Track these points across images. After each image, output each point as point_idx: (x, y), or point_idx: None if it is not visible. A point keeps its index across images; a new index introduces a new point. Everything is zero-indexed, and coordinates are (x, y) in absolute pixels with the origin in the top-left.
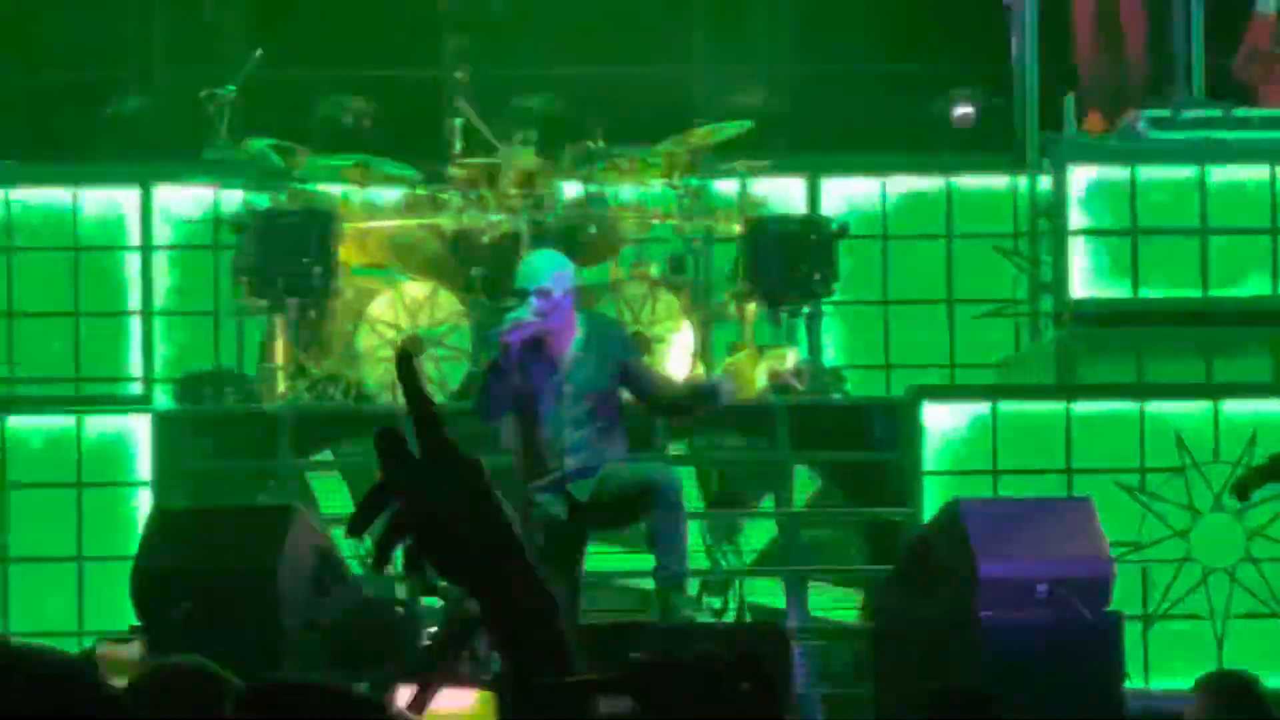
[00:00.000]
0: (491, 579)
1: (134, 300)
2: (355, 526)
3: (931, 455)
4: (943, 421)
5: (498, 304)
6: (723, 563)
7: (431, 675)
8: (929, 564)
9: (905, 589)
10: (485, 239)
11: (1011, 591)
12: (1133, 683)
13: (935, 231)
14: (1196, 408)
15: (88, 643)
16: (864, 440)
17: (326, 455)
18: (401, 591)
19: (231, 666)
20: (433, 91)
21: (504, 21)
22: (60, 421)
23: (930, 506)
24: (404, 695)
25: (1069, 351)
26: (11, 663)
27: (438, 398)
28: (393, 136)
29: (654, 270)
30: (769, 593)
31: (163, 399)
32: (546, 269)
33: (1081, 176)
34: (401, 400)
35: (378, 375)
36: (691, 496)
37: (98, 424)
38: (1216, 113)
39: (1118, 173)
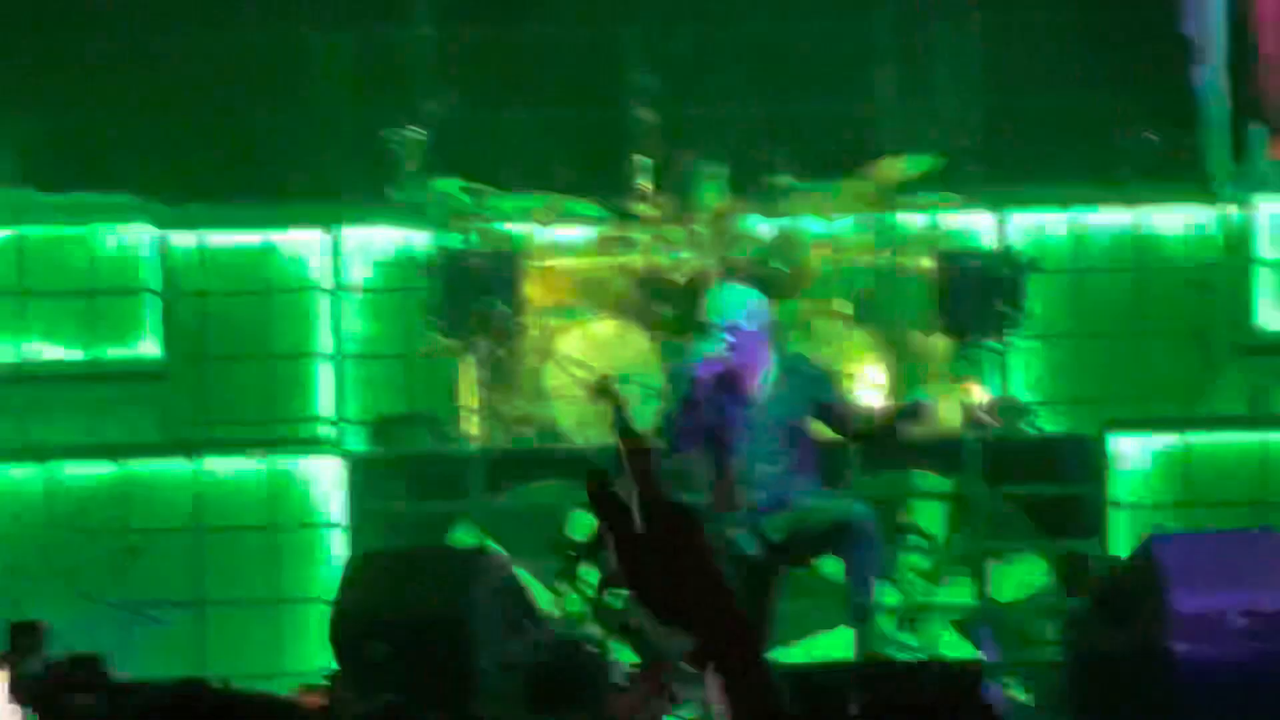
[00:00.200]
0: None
1: (325, 342)
2: (566, 571)
3: (1122, 487)
4: (1132, 454)
5: (688, 342)
6: (915, 599)
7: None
8: (1122, 598)
9: (1098, 623)
10: (674, 276)
11: (1206, 625)
12: None
13: (1124, 264)
14: None
15: (285, 685)
16: (1054, 473)
17: (519, 495)
18: (594, 632)
19: (428, 707)
20: (620, 130)
21: (690, 59)
22: (253, 465)
23: (1120, 539)
24: None
25: (1259, 382)
26: (226, 704)
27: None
28: (581, 176)
29: (842, 306)
30: (962, 628)
31: (355, 441)
32: (737, 304)
33: (1269, 207)
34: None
35: (568, 414)
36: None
37: (290, 466)
38: None
39: None
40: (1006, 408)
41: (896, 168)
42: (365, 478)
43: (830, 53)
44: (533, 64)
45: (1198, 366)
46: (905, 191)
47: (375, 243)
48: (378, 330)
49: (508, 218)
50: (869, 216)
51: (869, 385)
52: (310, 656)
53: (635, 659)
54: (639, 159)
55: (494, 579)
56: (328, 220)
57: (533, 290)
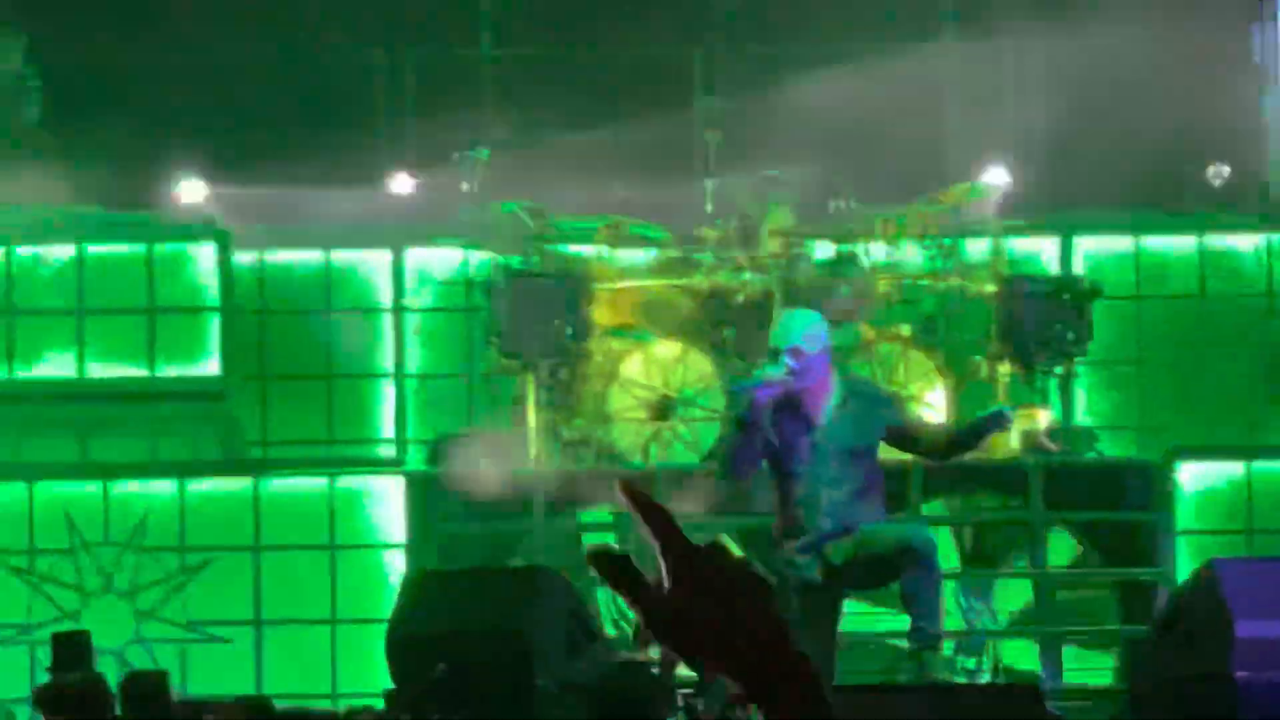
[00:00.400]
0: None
1: (386, 362)
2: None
3: (1186, 515)
4: (1197, 481)
5: (749, 364)
6: (977, 623)
7: None
8: (1185, 624)
9: (1161, 649)
10: (738, 299)
11: (1269, 651)
12: None
13: (1188, 291)
14: None
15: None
16: (1118, 500)
17: (579, 516)
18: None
19: None
20: (685, 153)
21: (757, 82)
22: (313, 483)
23: (1184, 566)
24: None
25: None
26: None
27: (690, 458)
28: (645, 197)
29: (906, 330)
30: (1023, 653)
31: (416, 461)
32: (800, 328)
33: None
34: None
35: (629, 436)
36: (945, 557)
37: (350, 485)
38: None
39: None
40: (1070, 433)
41: (962, 193)
42: (425, 498)
43: (896, 78)
44: (598, 86)
45: (1262, 394)
46: (970, 217)
47: (438, 263)
48: (439, 351)
49: (571, 239)
50: (934, 241)
51: (931, 410)
52: (368, 675)
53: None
54: (704, 181)
55: (553, 599)
56: (390, 240)
57: (595, 312)
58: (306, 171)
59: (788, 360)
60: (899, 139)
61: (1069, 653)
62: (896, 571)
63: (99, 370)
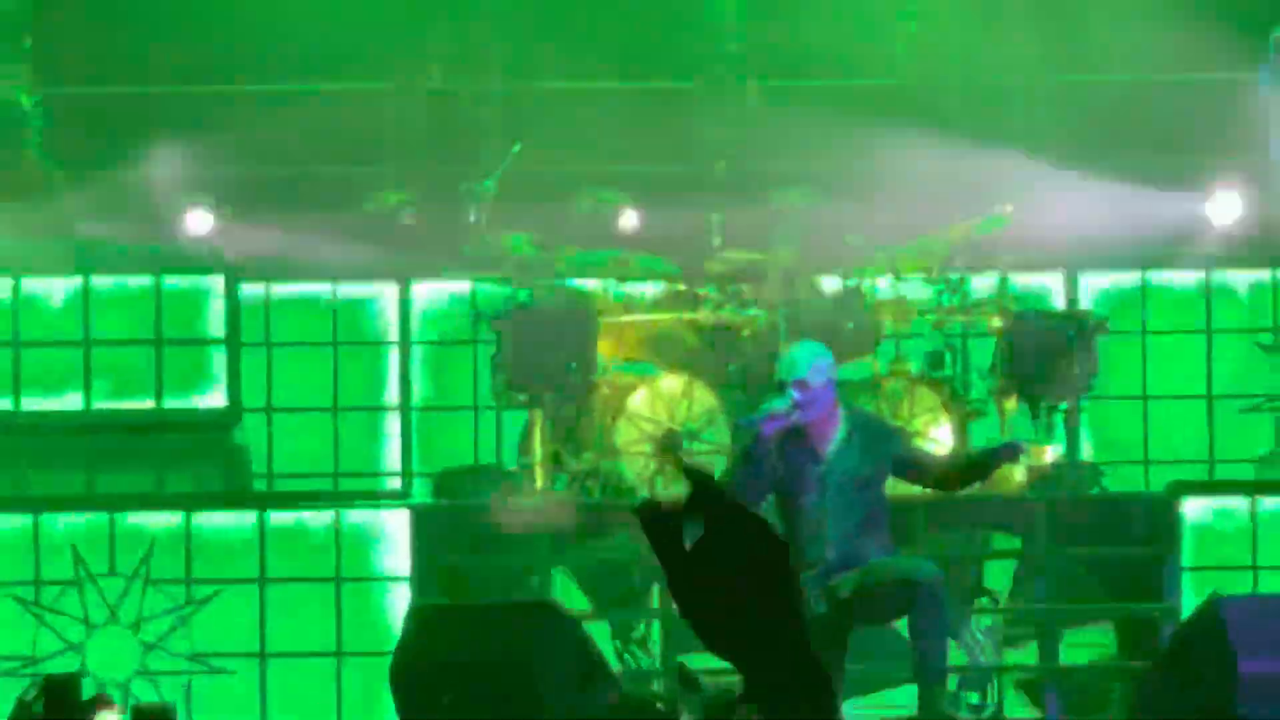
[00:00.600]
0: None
1: (392, 394)
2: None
3: (1191, 551)
4: (1202, 517)
5: (755, 398)
6: (981, 658)
7: None
8: (1188, 661)
9: (1165, 685)
10: (743, 333)
11: (1273, 688)
12: None
13: (1194, 326)
14: None
15: None
16: (1123, 535)
17: (585, 550)
18: (660, 687)
19: None
20: (692, 185)
21: (763, 116)
22: (319, 517)
23: (1189, 602)
24: None
25: None
26: None
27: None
28: (651, 231)
29: (912, 366)
30: (1027, 689)
31: (421, 494)
32: (805, 361)
33: None
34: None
35: (636, 469)
36: (950, 592)
37: (356, 519)
38: None
39: None
40: (1075, 468)
41: (969, 228)
42: (431, 531)
43: (901, 111)
44: (606, 118)
45: (1269, 429)
46: (977, 252)
47: (444, 296)
48: (446, 383)
49: (577, 273)
50: (940, 276)
51: (938, 445)
52: (374, 709)
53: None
54: (711, 214)
55: (560, 633)
56: (397, 273)
57: (601, 345)
58: (314, 204)
59: (793, 393)
60: (906, 173)
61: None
62: (904, 605)
63: (105, 402)
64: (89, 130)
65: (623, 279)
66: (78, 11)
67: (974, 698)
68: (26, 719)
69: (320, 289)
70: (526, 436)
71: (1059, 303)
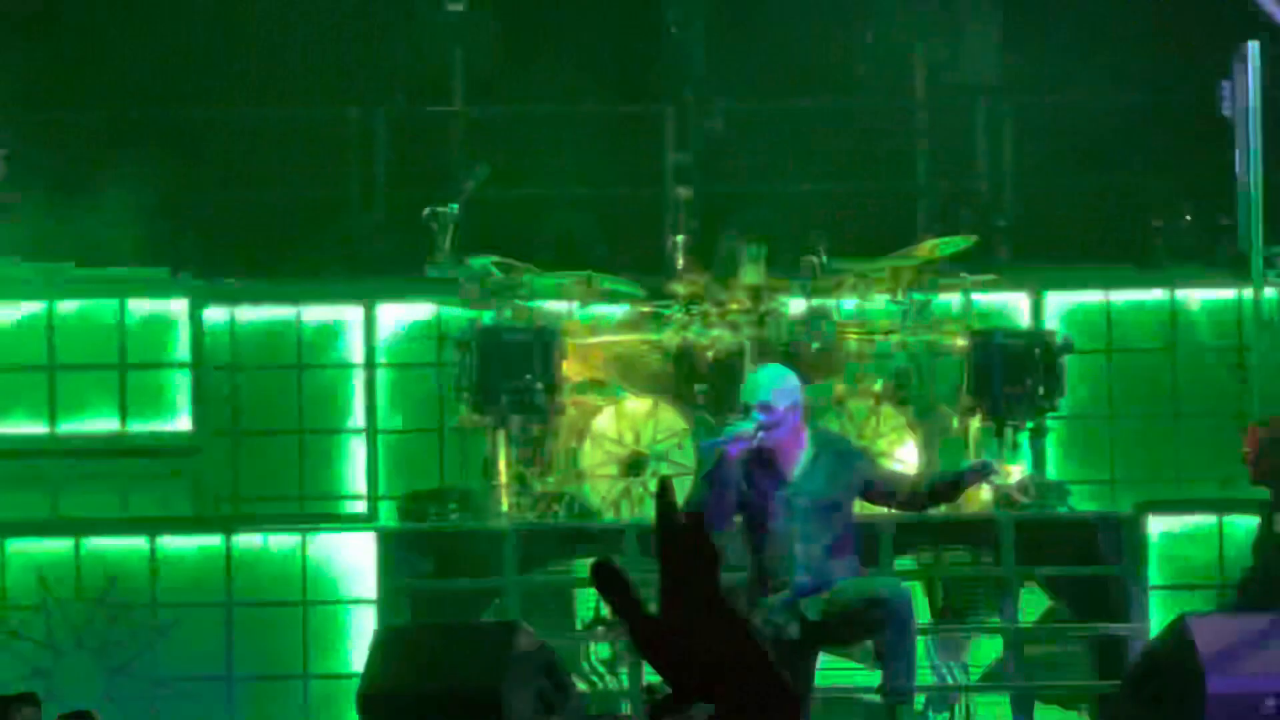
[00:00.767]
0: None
1: (357, 417)
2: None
3: (1158, 569)
4: (1169, 535)
5: (721, 419)
6: (949, 678)
7: None
8: (1157, 680)
9: (1133, 705)
10: (708, 354)
11: (1240, 707)
12: None
13: (1159, 344)
14: None
15: None
16: (1089, 554)
17: (551, 572)
18: (627, 709)
19: None
20: (656, 208)
21: (726, 138)
22: (284, 540)
23: (1157, 621)
24: None
25: None
26: None
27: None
28: (616, 253)
29: (878, 385)
30: (995, 708)
31: (387, 516)
32: (770, 384)
33: None
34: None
35: (601, 492)
36: (918, 611)
37: (322, 542)
38: None
39: None
40: (1041, 488)
41: (932, 247)
42: (397, 554)
43: (867, 132)
44: (570, 141)
45: (1234, 448)
46: (941, 271)
47: (409, 318)
48: (411, 406)
49: (543, 294)
50: (905, 296)
51: (903, 465)
52: None
53: None
54: (675, 236)
55: (526, 655)
56: (362, 295)
57: (567, 367)
58: (278, 227)
59: (758, 415)
60: (870, 194)
61: (1040, 708)
62: (871, 627)
63: (70, 426)
64: (52, 153)
65: (588, 301)
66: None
67: (942, 717)
68: None
69: (285, 312)
70: (492, 459)
71: (1024, 321)
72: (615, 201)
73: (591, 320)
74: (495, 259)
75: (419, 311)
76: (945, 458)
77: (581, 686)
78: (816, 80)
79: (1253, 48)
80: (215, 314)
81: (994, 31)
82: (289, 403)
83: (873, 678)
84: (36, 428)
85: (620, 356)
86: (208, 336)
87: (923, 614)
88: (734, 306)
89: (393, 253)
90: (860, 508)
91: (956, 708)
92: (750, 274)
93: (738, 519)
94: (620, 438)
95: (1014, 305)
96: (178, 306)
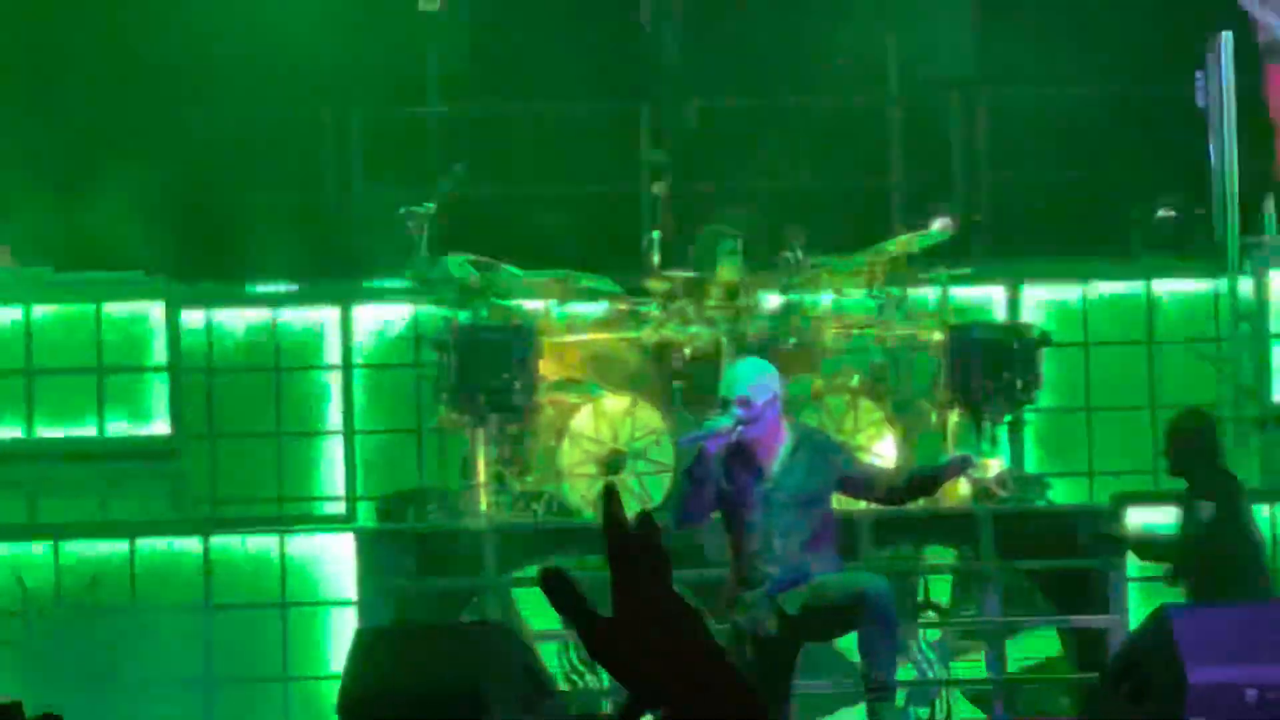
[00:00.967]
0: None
1: (335, 419)
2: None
3: (1136, 561)
4: (1148, 527)
5: (699, 416)
6: (929, 673)
7: None
8: (1137, 671)
9: (1114, 697)
10: (686, 351)
11: (1221, 698)
12: None
13: (1137, 337)
14: None
15: None
16: (1068, 547)
17: (531, 571)
18: (608, 708)
19: None
20: (632, 206)
21: (701, 135)
22: (263, 542)
23: (1136, 613)
24: None
25: (1273, 455)
26: None
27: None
28: (593, 251)
29: (855, 380)
30: (976, 702)
31: (366, 517)
32: (748, 378)
33: None
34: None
35: (580, 490)
36: (897, 606)
37: (301, 544)
38: None
39: None
40: (1019, 480)
41: (909, 242)
42: (376, 554)
43: (842, 129)
44: (546, 140)
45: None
46: (917, 265)
47: (387, 319)
48: (389, 406)
49: (519, 293)
50: (881, 290)
51: (881, 459)
52: None
53: None
54: (652, 234)
55: (507, 654)
56: (338, 297)
57: (545, 366)
58: (254, 229)
59: (736, 410)
60: (846, 189)
61: (1022, 699)
62: (852, 621)
63: (48, 430)
64: (28, 159)
65: (565, 299)
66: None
67: (922, 711)
68: None
69: (262, 315)
70: (470, 459)
71: (1001, 315)
72: (591, 199)
73: (568, 319)
74: (471, 258)
75: (396, 312)
76: (923, 452)
77: (562, 686)
78: (791, 76)
79: (1226, 38)
80: (192, 317)
81: (967, 25)
82: (267, 405)
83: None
84: (14, 432)
85: (598, 355)
86: (185, 339)
87: (902, 608)
88: (711, 303)
89: (369, 254)
90: (839, 502)
91: (937, 702)
92: (727, 270)
93: (717, 515)
94: (598, 436)
95: (991, 298)
96: (155, 310)
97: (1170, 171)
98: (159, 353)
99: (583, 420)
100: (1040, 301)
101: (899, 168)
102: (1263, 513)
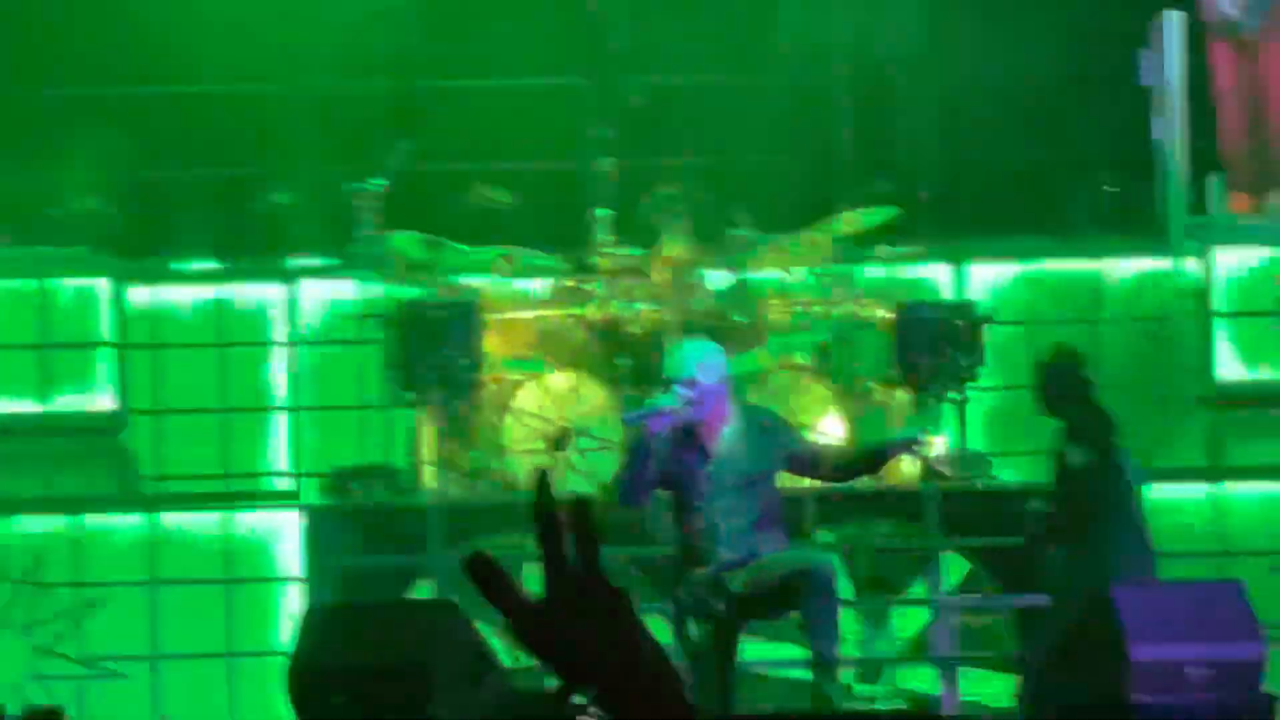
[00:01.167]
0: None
1: (280, 396)
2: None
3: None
4: None
5: (644, 394)
6: (875, 650)
7: None
8: (1080, 648)
9: (1058, 673)
10: (631, 329)
11: (1163, 675)
12: None
13: (1080, 315)
14: None
15: None
16: (1013, 525)
17: (476, 548)
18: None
19: None
20: (577, 182)
21: (647, 112)
22: (209, 519)
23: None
24: None
25: (1217, 434)
26: None
27: (586, 489)
28: (538, 228)
29: (801, 358)
30: (922, 679)
31: (312, 494)
32: (693, 358)
33: (1227, 259)
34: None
35: (526, 466)
36: (843, 584)
37: (247, 520)
38: None
39: (1264, 255)
40: (964, 459)
41: (854, 220)
42: (322, 531)
43: (788, 105)
44: (490, 117)
45: (1156, 418)
46: (863, 243)
47: (332, 296)
48: (335, 383)
49: (465, 269)
50: (827, 268)
51: (827, 437)
52: (268, 710)
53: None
54: (597, 211)
55: (452, 631)
56: (284, 274)
57: (490, 342)
58: (200, 205)
59: (681, 390)
60: (791, 167)
61: (967, 678)
62: (796, 599)
63: None
64: None
65: (510, 276)
66: None
67: (868, 689)
68: None
69: (208, 291)
70: (416, 435)
71: (946, 293)
72: (536, 176)
73: (514, 295)
74: (417, 235)
75: (342, 289)
76: (868, 429)
77: (507, 662)
78: (737, 53)
79: (1175, 17)
80: (138, 293)
81: (915, 3)
82: (212, 381)
83: (799, 652)
84: None
85: (543, 331)
86: (130, 315)
87: (847, 586)
88: (656, 280)
89: (315, 230)
90: (785, 480)
91: (882, 679)
92: (672, 247)
93: (663, 494)
94: (542, 412)
95: (936, 276)
96: (101, 285)
97: (1117, 150)
98: (104, 328)
99: (526, 397)
100: (986, 280)
101: (845, 145)
102: (1206, 490)
